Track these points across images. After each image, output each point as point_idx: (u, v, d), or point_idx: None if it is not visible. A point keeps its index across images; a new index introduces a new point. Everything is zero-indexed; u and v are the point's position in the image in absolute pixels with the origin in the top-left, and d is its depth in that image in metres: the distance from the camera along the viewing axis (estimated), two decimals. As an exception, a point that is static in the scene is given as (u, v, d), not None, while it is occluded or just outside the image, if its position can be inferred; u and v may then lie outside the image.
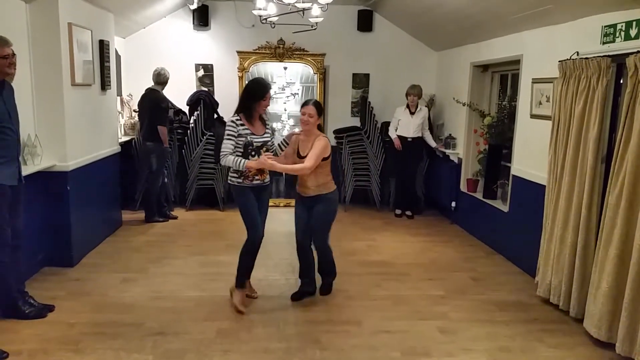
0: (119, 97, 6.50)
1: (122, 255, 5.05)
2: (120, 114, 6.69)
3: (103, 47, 5.31)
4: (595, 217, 3.70)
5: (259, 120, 3.82)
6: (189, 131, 6.77)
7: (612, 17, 3.59)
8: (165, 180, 6.51)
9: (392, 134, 6.74)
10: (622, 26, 3.50)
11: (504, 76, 5.93)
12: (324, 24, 5.54)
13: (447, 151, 6.62)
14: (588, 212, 3.71)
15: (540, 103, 4.65)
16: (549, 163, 4.18)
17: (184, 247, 5.34)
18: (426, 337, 3.56)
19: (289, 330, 3.63)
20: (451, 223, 6.57)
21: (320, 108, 3.94)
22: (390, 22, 7.32)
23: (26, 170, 3.88)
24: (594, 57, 3.64)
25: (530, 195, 4.72)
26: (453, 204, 6.50)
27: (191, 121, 6.85)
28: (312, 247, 4.12)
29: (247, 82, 4.24)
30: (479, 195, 6.02)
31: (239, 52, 6.96)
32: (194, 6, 6.70)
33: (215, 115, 6.95)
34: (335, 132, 7.08)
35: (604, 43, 3.69)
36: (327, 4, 4.76)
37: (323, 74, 7.15)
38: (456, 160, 6.52)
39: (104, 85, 5.41)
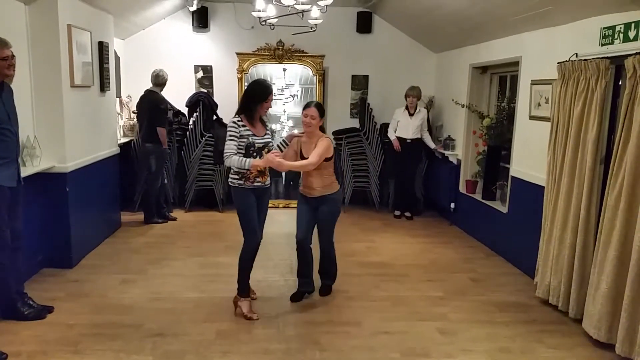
0: (118, 99, 6.50)
1: (121, 256, 5.05)
2: (119, 116, 6.70)
3: (102, 48, 5.31)
4: (594, 218, 3.70)
5: (260, 122, 3.81)
6: (188, 132, 6.77)
7: (611, 19, 3.60)
8: (165, 181, 6.51)
9: (391, 135, 6.74)
10: (620, 28, 3.51)
11: (503, 78, 5.94)
12: (323, 25, 5.55)
13: (446, 152, 6.63)
14: (587, 213, 3.71)
15: (539, 104, 4.66)
16: (547, 164, 4.19)
17: (183, 249, 5.34)
18: (426, 338, 3.56)
19: (289, 331, 3.63)
20: (450, 224, 6.57)
21: (322, 110, 3.96)
22: (389, 23, 7.33)
23: (25, 172, 3.88)
24: (592, 58, 3.65)
25: (529, 196, 4.72)
26: (452, 205, 6.50)
27: (190, 123, 6.85)
28: (311, 246, 4.13)
29: (248, 83, 4.23)
30: (478, 196, 6.02)
31: (238, 54, 6.97)
32: (194, 8, 6.70)
33: (215, 117, 6.95)
34: (335, 133, 7.08)
35: (602, 45, 3.70)
36: (326, 5, 4.76)
37: (322, 76, 7.16)
38: (455, 162, 6.53)
39: (103, 86, 5.42)
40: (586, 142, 3.72)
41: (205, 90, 7.14)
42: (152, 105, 6.02)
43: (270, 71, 8.85)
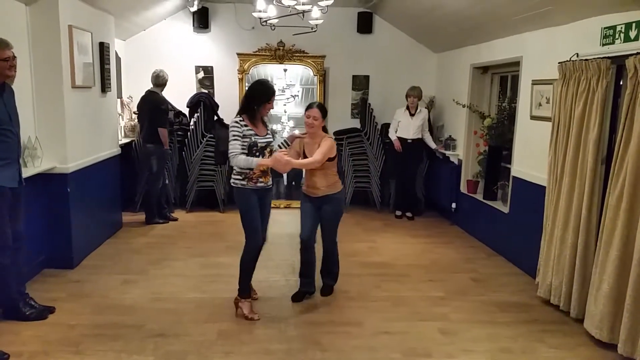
0: (119, 99, 6.51)
1: (122, 257, 5.05)
2: (120, 116, 6.70)
3: (103, 49, 5.32)
4: (596, 219, 3.70)
5: (261, 122, 3.80)
6: (189, 133, 6.77)
7: (612, 19, 3.60)
8: (166, 182, 6.52)
9: (392, 135, 6.74)
10: (621, 28, 3.51)
11: (504, 78, 5.94)
12: (324, 26, 5.55)
13: (447, 152, 6.62)
14: (588, 213, 3.71)
15: (540, 104, 4.65)
16: (549, 164, 4.19)
17: (185, 249, 5.34)
18: (427, 338, 3.56)
19: (290, 331, 3.63)
20: (451, 224, 6.57)
21: (324, 110, 3.98)
22: (390, 24, 7.33)
23: (26, 172, 3.88)
24: (593, 58, 3.64)
25: (531, 196, 4.72)
26: (453, 205, 6.50)
27: (191, 123, 6.85)
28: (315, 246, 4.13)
29: (250, 83, 4.21)
30: (479, 196, 6.02)
31: (239, 54, 6.97)
32: (194, 8, 6.71)
33: (216, 117, 6.95)
34: (336, 133, 7.08)
35: (603, 45, 3.70)
36: (327, 6, 4.77)
37: (323, 76, 7.16)
38: (456, 162, 6.52)
39: (104, 87, 5.42)
40: (587, 142, 3.72)
41: (206, 91, 7.15)
42: (152, 105, 6.02)
43: (271, 72, 8.87)
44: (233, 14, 7.10)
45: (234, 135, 3.59)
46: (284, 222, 6.28)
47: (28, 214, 3.79)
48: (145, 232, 5.91)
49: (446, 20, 5.80)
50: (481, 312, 4.00)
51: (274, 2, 4.78)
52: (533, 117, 4.77)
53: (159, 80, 6.10)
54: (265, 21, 5.14)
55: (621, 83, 3.67)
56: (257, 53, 7.00)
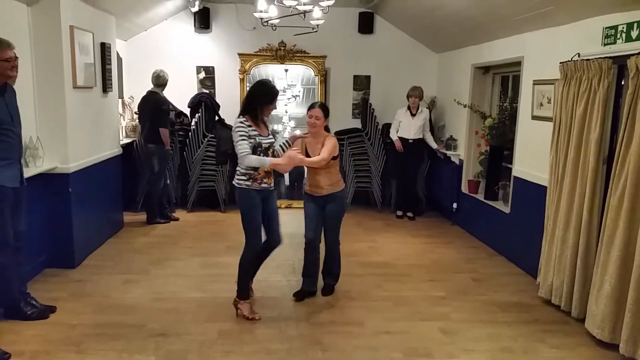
0: (120, 100, 6.51)
1: (123, 256, 5.06)
2: (121, 116, 6.71)
3: (104, 49, 5.33)
4: (597, 219, 3.70)
5: (262, 122, 3.79)
6: (190, 133, 6.78)
7: (613, 19, 3.59)
8: (167, 182, 6.52)
9: (393, 135, 6.74)
10: (623, 27, 3.50)
11: (505, 78, 5.94)
12: (325, 26, 5.56)
13: (448, 153, 6.63)
14: (589, 214, 3.71)
15: (541, 104, 4.65)
16: (550, 164, 4.18)
17: (186, 249, 5.35)
18: (428, 338, 3.56)
19: (291, 331, 3.63)
20: (452, 224, 6.57)
21: (326, 110, 3.99)
22: (391, 24, 7.33)
23: (28, 172, 3.89)
24: (595, 58, 3.64)
25: (532, 196, 4.72)
26: (454, 205, 6.50)
27: (192, 123, 6.86)
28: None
29: (250, 84, 4.20)
30: (480, 196, 6.02)
31: (240, 55, 6.97)
32: (195, 9, 6.72)
33: (217, 118, 6.96)
34: (337, 133, 7.05)
35: (605, 44, 3.69)
36: (328, 6, 4.77)
37: (324, 76, 7.16)
38: (457, 162, 6.52)
39: (106, 87, 5.43)
40: (589, 142, 3.71)
41: (207, 91, 7.15)
42: (153, 106, 6.03)
43: (272, 72, 8.86)
44: (234, 14, 7.11)
45: (240, 135, 3.53)
46: (285, 222, 6.20)
47: (29, 213, 3.80)
48: (146, 232, 5.91)
49: (447, 20, 5.80)
50: (482, 312, 4.00)
51: (275, 2, 4.79)
52: (534, 117, 4.77)
53: (160, 81, 6.11)
54: (267, 21, 5.15)
55: (623, 83, 3.67)
56: (258, 53, 7.00)
